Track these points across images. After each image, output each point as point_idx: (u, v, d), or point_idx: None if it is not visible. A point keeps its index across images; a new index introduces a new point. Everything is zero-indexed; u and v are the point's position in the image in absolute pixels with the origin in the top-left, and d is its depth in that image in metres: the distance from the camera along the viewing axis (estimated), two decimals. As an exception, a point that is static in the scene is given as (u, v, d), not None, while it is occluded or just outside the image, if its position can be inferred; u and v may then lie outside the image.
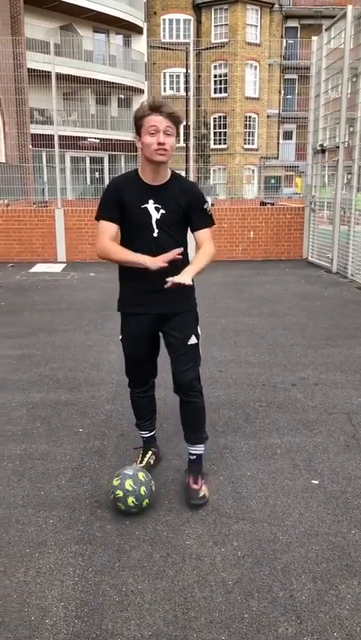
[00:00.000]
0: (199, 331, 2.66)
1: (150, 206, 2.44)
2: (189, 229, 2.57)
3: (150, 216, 2.44)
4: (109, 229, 2.47)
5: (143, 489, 2.45)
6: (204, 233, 2.56)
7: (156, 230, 2.45)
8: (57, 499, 2.63)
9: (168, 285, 2.33)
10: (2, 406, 3.73)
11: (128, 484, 2.43)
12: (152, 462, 2.87)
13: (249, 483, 2.77)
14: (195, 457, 2.72)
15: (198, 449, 2.71)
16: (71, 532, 2.39)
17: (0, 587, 2.06)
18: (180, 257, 2.39)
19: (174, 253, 2.36)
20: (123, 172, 2.77)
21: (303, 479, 2.81)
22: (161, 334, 2.65)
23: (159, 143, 2.32)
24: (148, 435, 2.91)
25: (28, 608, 1.96)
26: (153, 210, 2.44)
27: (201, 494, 2.59)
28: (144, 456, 2.87)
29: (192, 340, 2.61)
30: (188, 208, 2.48)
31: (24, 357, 4.77)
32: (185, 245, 2.54)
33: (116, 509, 2.48)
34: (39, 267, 10.07)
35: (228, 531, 2.39)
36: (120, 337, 2.68)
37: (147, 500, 2.46)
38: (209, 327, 5.65)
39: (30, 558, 2.22)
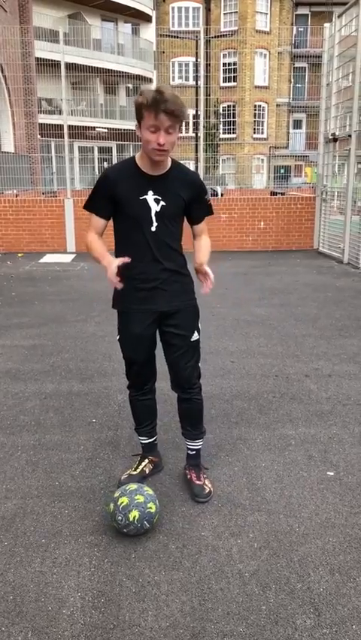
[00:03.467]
0: (200, 326, 2.55)
1: (150, 197, 2.29)
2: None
3: (149, 209, 2.30)
4: (96, 223, 2.40)
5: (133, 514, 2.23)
6: (204, 225, 2.53)
7: (155, 224, 2.31)
8: (72, 490, 2.63)
9: (206, 291, 2.41)
10: (15, 396, 3.73)
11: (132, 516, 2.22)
12: (147, 471, 2.70)
13: (264, 474, 2.76)
14: (194, 452, 2.67)
15: (198, 444, 2.66)
16: (86, 522, 2.38)
17: (17, 577, 2.06)
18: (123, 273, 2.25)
19: (116, 280, 2.21)
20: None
21: (318, 471, 2.79)
22: (158, 332, 2.52)
23: (159, 144, 2.16)
24: (147, 441, 2.73)
25: (45, 598, 1.96)
26: (153, 202, 2.30)
27: (206, 491, 2.56)
28: (139, 464, 2.71)
29: (195, 336, 2.50)
30: (191, 200, 2.38)
31: (36, 348, 4.77)
32: (180, 237, 2.45)
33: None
34: (49, 258, 10.06)
35: (243, 522, 2.38)
36: (118, 337, 2.55)
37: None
38: (220, 317, 5.63)
39: (46, 548, 2.22)
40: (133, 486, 2.34)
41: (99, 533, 2.31)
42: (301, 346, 4.79)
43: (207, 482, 2.61)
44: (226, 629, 1.83)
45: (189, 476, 2.65)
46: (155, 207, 2.30)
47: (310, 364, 4.33)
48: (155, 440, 2.77)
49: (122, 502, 2.24)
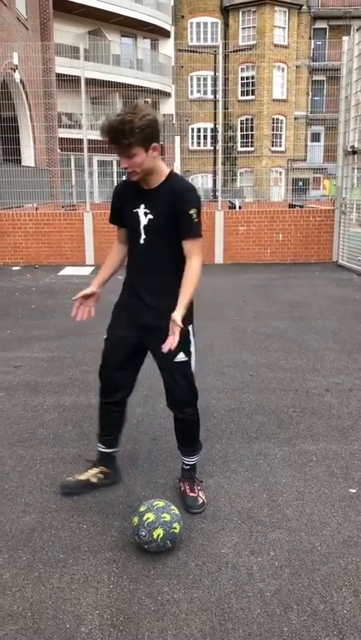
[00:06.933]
0: (192, 349, 2.45)
1: (141, 210, 2.36)
2: None
3: (139, 222, 2.37)
4: (119, 232, 2.59)
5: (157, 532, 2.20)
6: (190, 246, 2.30)
7: (144, 236, 2.36)
8: (90, 504, 2.60)
9: (165, 349, 2.15)
10: (34, 409, 3.74)
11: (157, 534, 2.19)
12: (95, 480, 2.65)
13: (284, 491, 2.71)
14: (188, 466, 2.65)
15: (193, 460, 2.65)
16: (105, 538, 2.36)
17: (35, 592, 2.05)
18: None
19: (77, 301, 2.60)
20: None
21: (340, 487, 2.74)
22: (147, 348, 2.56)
23: (125, 168, 2.26)
24: (104, 450, 2.66)
25: (63, 615, 1.94)
26: (142, 215, 2.35)
27: (200, 502, 2.55)
28: (87, 470, 2.67)
29: (180, 357, 2.41)
30: (174, 213, 2.29)
31: (55, 360, 4.78)
32: (177, 254, 2.33)
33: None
34: (68, 270, 10.13)
35: (264, 540, 2.34)
36: (105, 337, 2.66)
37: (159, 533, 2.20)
38: (239, 330, 5.60)
39: (64, 564, 2.20)
40: (160, 503, 2.29)
41: (118, 549, 2.28)
42: (322, 360, 4.73)
43: (200, 494, 2.60)
44: (247, 650, 1.79)
45: (182, 488, 2.64)
46: (143, 221, 2.37)
47: (331, 378, 4.28)
48: (113, 452, 2.70)
49: (148, 519, 2.20)
